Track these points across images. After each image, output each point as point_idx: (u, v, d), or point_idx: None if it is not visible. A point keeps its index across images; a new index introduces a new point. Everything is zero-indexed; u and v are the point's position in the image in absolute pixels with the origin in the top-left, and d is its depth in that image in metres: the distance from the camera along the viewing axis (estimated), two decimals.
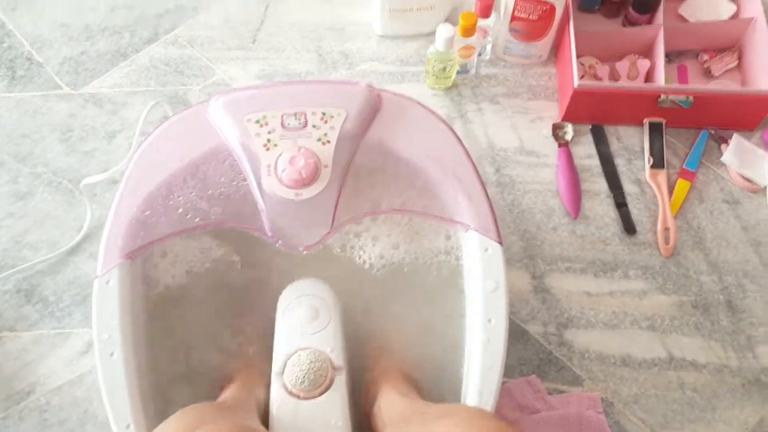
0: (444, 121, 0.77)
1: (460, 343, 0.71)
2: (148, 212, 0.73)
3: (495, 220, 0.73)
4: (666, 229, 0.95)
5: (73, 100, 1.10)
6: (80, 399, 0.87)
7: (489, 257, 0.71)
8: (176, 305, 0.77)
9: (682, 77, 1.07)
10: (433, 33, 1.13)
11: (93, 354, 0.89)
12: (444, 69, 1.02)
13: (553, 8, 0.98)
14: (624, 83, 1.04)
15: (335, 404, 0.67)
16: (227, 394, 0.71)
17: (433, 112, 0.78)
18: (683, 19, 1.10)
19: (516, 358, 0.88)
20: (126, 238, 0.72)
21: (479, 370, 0.66)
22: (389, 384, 0.72)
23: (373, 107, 0.76)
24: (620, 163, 1.02)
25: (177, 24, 1.17)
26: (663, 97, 0.96)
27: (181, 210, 0.74)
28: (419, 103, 0.78)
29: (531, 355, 0.89)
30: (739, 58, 1.07)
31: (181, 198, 0.74)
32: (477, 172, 0.74)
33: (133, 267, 0.72)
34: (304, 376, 0.67)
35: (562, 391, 0.86)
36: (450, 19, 1.14)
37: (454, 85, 1.09)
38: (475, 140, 1.03)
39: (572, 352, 0.89)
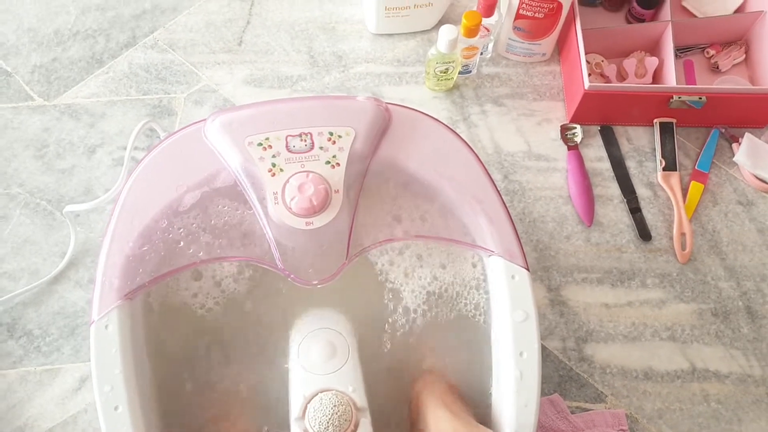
0: (459, 136, 0.72)
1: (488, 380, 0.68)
2: (145, 247, 0.67)
3: (520, 244, 0.69)
4: (682, 234, 0.92)
5: (47, 112, 1.02)
6: None
7: (516, 285, 0.67)
8: (184, 347, 0.72)
9: (689, 74, 1.03)
10: (430, 30, 1.08)
11: (86, 391, 0.84)
12: (446, 71, 0.97)
13: (560, 6, 0.93)
14: (635, 84, 0.99)
15: None
16: None
17: (446, 127, 0.73)
18: (688, 13, 1.06)
19: None
20: (123, 277, 0.66)
21: (513, 409, 0.63)
22: (435, 398, 0.67)
23: (383, 123, 0.70)
24: (631, 165, 0.98)
25: (156, 26, 1.09)
26: (675, 98, 0.92)
27: (182, 244, 0.68)
28: (430, 117, 0.73)
29: (551, 372, 0.85)
30: (746, 52, 1.03)
31: (181, 230, 0.68)
32: (497, 190, 0.70)
33: (134, 308, 0.67)
34: (328, 422, 0.62)
35: (585, 409, 0.83)
36: (448, 16, 1.08)
37: (456, 86, 1.03)
38: (481, 145, 0.99)
39: (593, 367, 0.86)
